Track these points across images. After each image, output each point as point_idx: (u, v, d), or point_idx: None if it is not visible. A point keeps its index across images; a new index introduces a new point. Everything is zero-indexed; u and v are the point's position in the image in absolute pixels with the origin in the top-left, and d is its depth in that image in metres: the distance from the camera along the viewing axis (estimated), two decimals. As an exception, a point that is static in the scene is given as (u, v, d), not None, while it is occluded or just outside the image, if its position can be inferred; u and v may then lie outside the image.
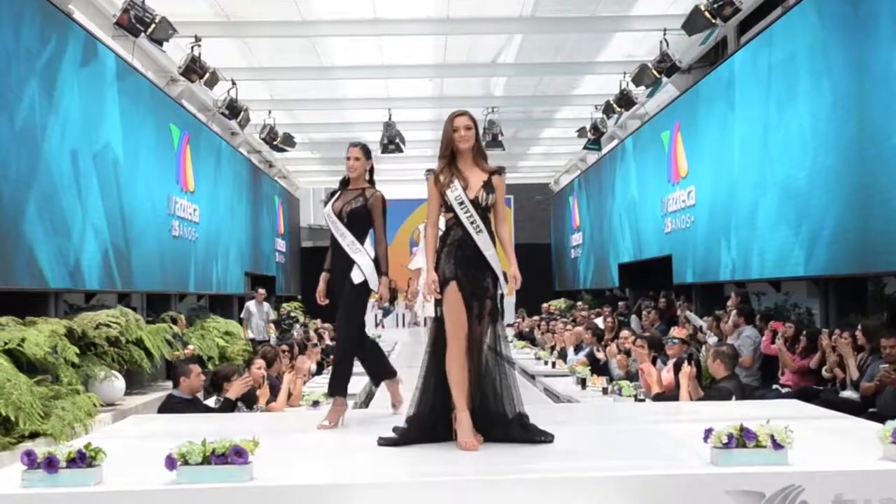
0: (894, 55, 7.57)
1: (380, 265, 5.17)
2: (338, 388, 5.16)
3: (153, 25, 10.29)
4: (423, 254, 6.22)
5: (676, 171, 13.79)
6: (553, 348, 12.97)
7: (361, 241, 5.19)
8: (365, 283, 5.13)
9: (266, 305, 15.03)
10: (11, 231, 8.19)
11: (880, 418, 5.24)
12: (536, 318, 17.75)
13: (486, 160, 4.61)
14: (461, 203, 4.43)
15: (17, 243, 8.27)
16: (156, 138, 12.24)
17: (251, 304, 14.76)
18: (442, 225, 4.58)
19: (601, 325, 12.13)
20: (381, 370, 5.65)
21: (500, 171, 4.55)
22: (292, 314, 17.12)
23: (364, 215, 5.19)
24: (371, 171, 5.35)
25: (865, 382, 7.26)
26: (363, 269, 5.14)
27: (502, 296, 4.68)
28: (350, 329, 5.23)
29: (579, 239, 21.51)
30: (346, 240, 5.17)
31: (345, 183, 5.37)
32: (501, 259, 4.55)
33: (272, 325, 14.95)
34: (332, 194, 5.42)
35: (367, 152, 5.31)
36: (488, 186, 4.47)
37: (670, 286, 14.03)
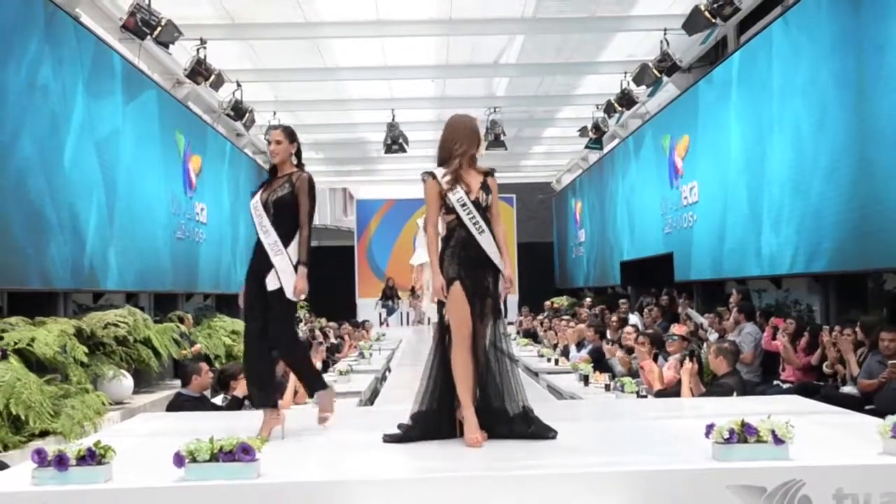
0: (894, 55, 7.56)
1: (300, 254, 4.57)
2: (315, 385, 4.90)
3: (159, 28, 10.31)
4: (423, 248, 6.22)
5: (677, 169, 13.78)
6: (556, 345, 12.97)
7: (288, 241, 4.57)
8: (281, 289, 4.53)
9: (272, 304, 15.01)
10: (21, 233, 8.21)
11: (879, 415, 5.24)
12: (541, 316, 17.74)
13: (476, 162, 4.64)
14: (464, 205, 4.44)
15: (26, 245, 8.29)
16: (162, 140, 12.26)
17: (257, 303, 14.73)
18: (441, 228, 4.58)
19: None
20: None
21: (492, 172, 4.60)
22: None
23: (292, 203, 4.60)
24: (298, 153, 4.78)
25: (863, 379, 7.25)
26: (280, 275, 4.53)
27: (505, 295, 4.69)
28: (285, 338, 4.71)
29: (581, 237, 21.50)
30: (270, 238, 4.56)
31: (273, 171, 4.79)
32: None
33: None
34: (261, 185, 4.80)
35: (290, 134, 4.75)
36: (486, 188, 4.51)
37: (672, 283, 14.02)
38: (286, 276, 4.52)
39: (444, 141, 4.55)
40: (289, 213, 4.59)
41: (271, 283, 4.52)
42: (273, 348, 4.75)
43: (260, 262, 4.61)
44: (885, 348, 7.11)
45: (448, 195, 4.45)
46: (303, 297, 4.56)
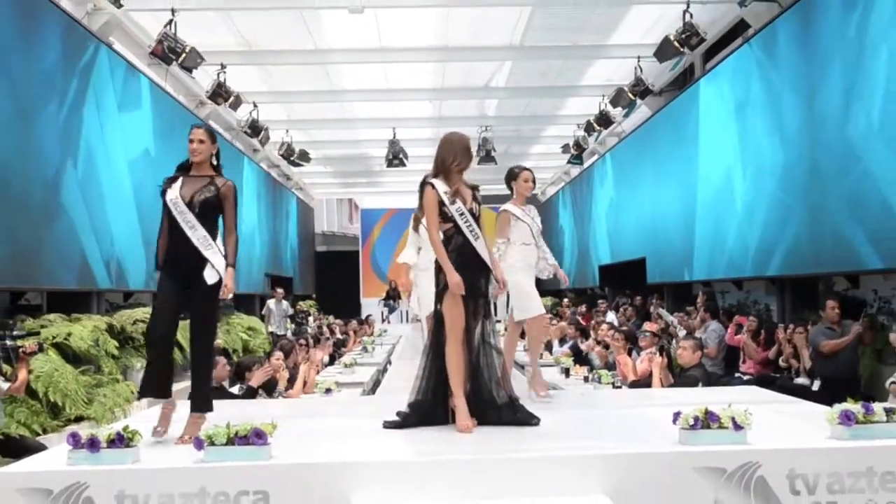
0: (837, 74, 7.61)
1: (227, 258, 4.22)
2: (201, 403, 4.40)
3: (184, 55, 10.33)
4: (413, 248, 6.22)
5: (650, 182, 13.80)
6: (540, 341, 12.95)
7: (214, 235, 4.24)
8: (219, 283, 4.16)
9: (284, 303, 15.01)
10: (59, 237, 8.22)
11: (826, 394, 5.29)
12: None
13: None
14: (462, 214, 4.44)
15: (64, 248, 8.30)
16: (184, 155, 12.23)
17: (271, 302, 14.75)
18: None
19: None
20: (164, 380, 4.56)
21: (477, 187, 4.61)
22: (304, 310, 17.10)
23: (217, 205, 4.26)
24: (217, 155, 4.46)
25: (826, 341, 7.26)
26: (218, 267, 4.15)
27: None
28: (209, 335, 4.41)
29: (564, 243, 21.53)
30: (198, 233, 4.16)
31: (185, 168, 4.42)
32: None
33: (288, 320, 14.95)
34: (171, 180, 4.36)
35: (211, 135, 4.46)
36: (475, 199, 4.53)
37: (645, 285, 14.04)
38: (222, 267, 4.17)
39: (441, 155, 4.51)
40: (212, 214, 4.26)
41: (210, 277, 4.14)
42: (196, 342, 4.42)
43: (184, 256, 4.17)
44: (834, 314, 7.20)
45: (449, 206, 4.42)
46: (230, 296, 4.23)
